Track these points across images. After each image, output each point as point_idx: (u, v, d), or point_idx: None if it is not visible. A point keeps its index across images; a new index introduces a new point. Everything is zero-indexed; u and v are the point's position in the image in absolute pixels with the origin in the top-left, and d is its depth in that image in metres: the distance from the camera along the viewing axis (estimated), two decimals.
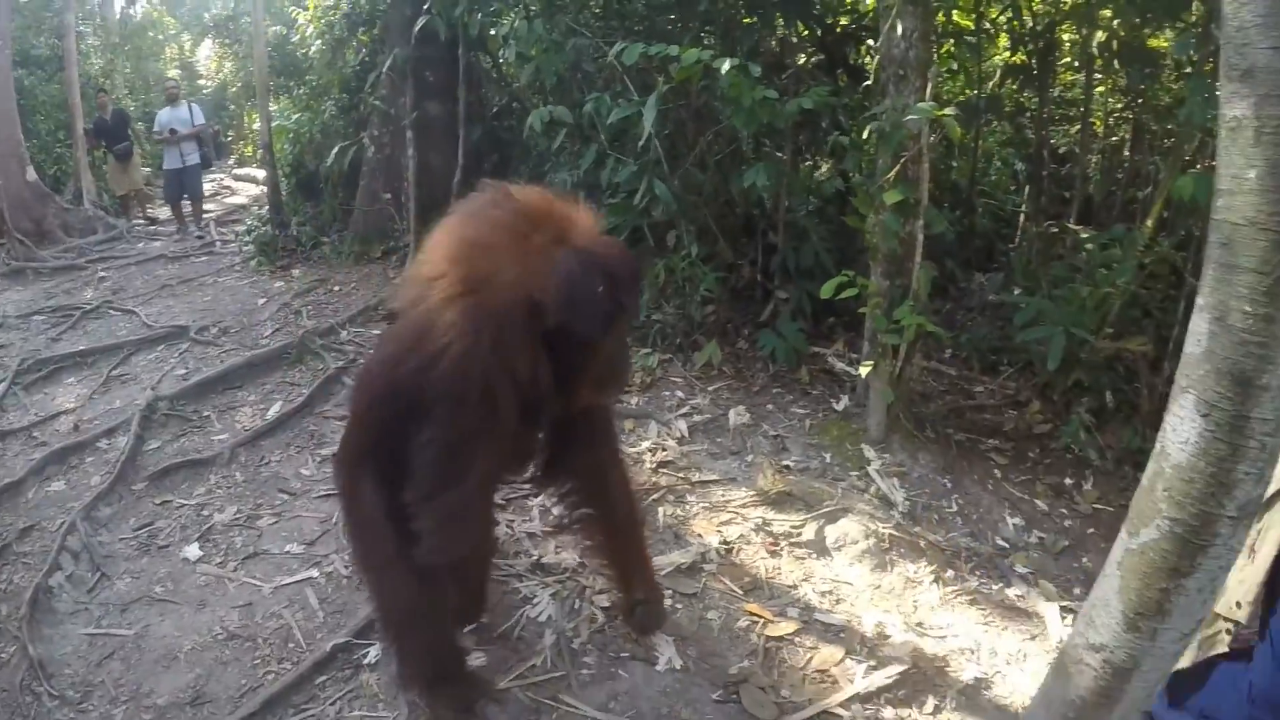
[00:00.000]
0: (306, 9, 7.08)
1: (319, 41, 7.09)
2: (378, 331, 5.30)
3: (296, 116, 7.84)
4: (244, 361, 4.72)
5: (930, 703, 2.36)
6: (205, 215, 9.59)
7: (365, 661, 2.47)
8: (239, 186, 13.31)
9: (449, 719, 2.21)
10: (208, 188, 10.86)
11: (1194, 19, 3.79)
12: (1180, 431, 1.35)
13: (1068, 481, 3.56)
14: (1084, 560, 3.06)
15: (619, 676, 2.38)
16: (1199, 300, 1.33)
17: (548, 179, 5.19)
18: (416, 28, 5.64)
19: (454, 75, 6.44)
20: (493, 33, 4.98)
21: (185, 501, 3.41)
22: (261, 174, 12.00)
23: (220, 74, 16.20)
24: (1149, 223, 3.84)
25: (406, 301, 1.98)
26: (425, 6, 5.49)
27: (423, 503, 1.90)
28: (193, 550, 3.06)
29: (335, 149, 6.97)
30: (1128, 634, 1.45)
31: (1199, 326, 1.32)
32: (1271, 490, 1.52)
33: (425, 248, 1.94)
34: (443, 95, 6.58)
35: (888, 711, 2.33)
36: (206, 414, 4.18)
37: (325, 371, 4.57)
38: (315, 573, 2.94)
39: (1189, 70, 4.04)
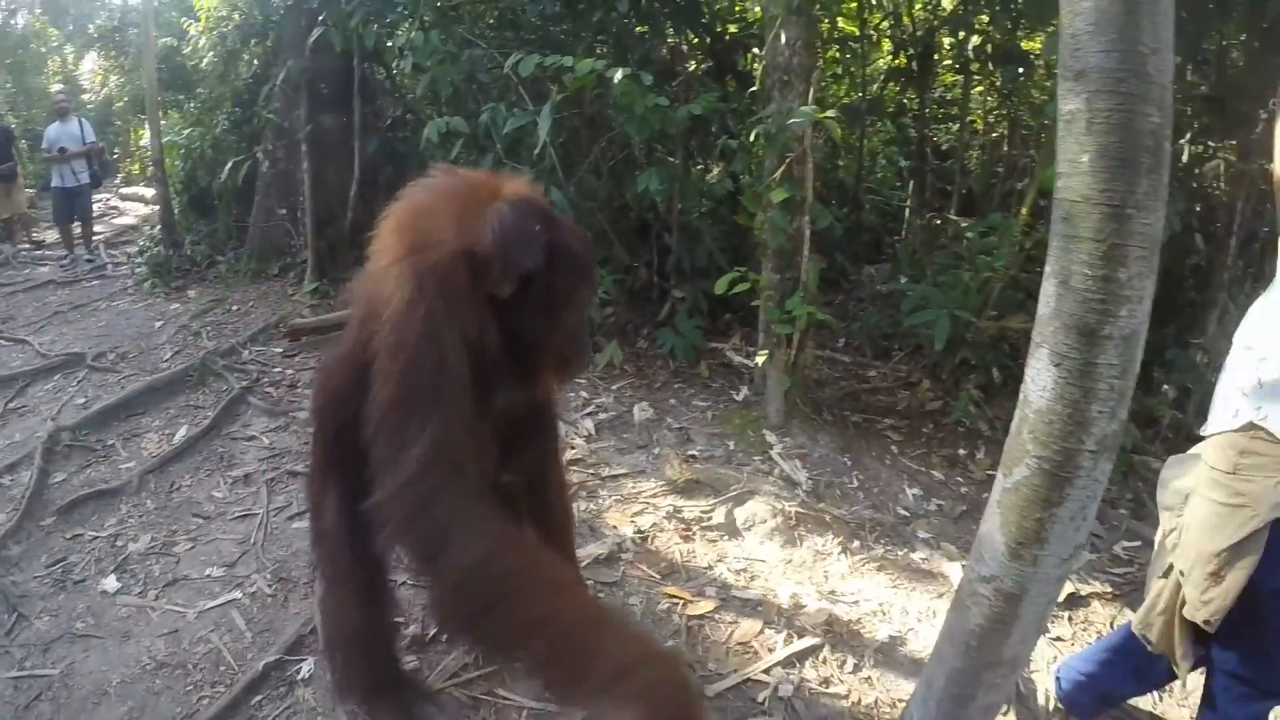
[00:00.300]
0: (199, 20, 6.87)
1: (211, 54, 6.89)
2: (280, 350, 5.27)
3: (188, 131, 7.61)
4: (145, 386, 4.60)
5: (850, 662, 2.55)
6: (94, 237, 9.18)
7: (299, 677, 2.47)
8: (127, 206, 12.67)
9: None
10: (94, 208, 10.40)
11: None
12: (1039, 381, 1.53)
13: (961, 452, 3.85)
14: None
15: None
16: (1047, 268, 1.51)
17: None
18: (311, 39, 5.59)
19: (348, 87, 6.40)
20: (390, 44, 4.98)
21: (97, 533, 3.31)
22: (149, 192, 11.47)
23: (105, 88, 15.36)
24: (1024, 210, 4.15)
25: (359, 286, 1.90)
26: (320, 18, 5.45)
27: (379, 504, 1.59)
28: (110, 582, 2.98)
29: (229, 164, 6.81)
30: (1013, 563, 1.62)
31: (1048, 290, 1.50)
32: (1247, 532, 1.64)
33: (377, 228, 1.86)
34: (337, 108, 6.54)
35: (810, 673, 2.50)
36: (111, 442, 4.06)
37: (229, 393, 4.50)
38: (239, 594, 2.89)
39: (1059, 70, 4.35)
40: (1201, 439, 1.84)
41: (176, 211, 7.64)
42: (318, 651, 2.54)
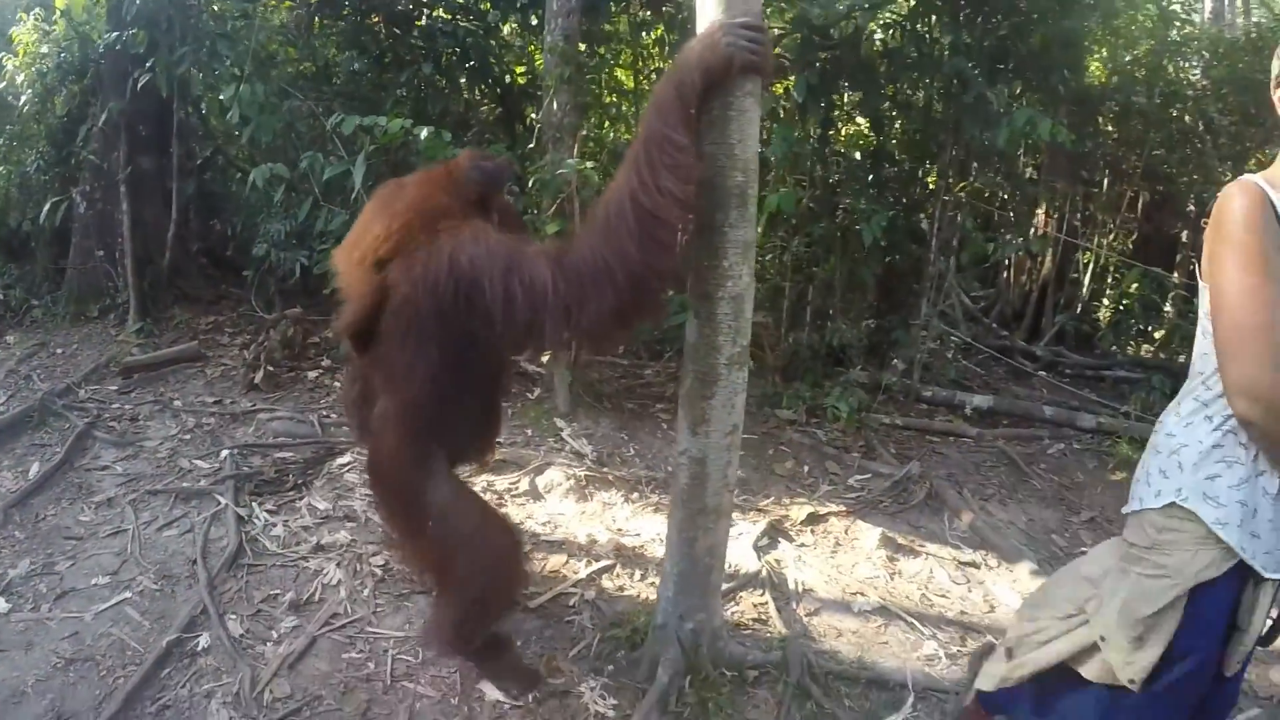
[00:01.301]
0: (16, 55, 6.68)
1: (30, 91, 6.75)
2: (115, 388, 5.48)
3: None
4: None
5: (637, 574, 3.50)
6: None
7: (199, 649, 2.96)
8: None
9: (513, 675, 2.82)
10: None
11: None
12: (689, 328, 2.51)
13: None
14: (739, 474, 4.23)
15: (406, 607, 3.24)
16: (691, 263, 2.44)
17: (261, 229, 5.72)
18: (140, 84, 5.79)
19: (166, 129, 6.61)
20: (222, 98, 5.31)
21: None
22: None
23: None
24: (759, 229, 5.21)
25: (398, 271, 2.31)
26: (149, 64, 5.68)
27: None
28: (0, 604, 3.22)
29: (47, 205, 6.76)
30: (694, 438, 2.58)
31: (690, 276, 2.46)
32: (1168, 600, 1.79)
33: (373, 226, 2.41)
34: (154, 149, 6.73)
35: (607, 584, 3.43)
36: None
37: (74, 430, 4.70)
38: (129, 594, 3.27)
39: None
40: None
41: None
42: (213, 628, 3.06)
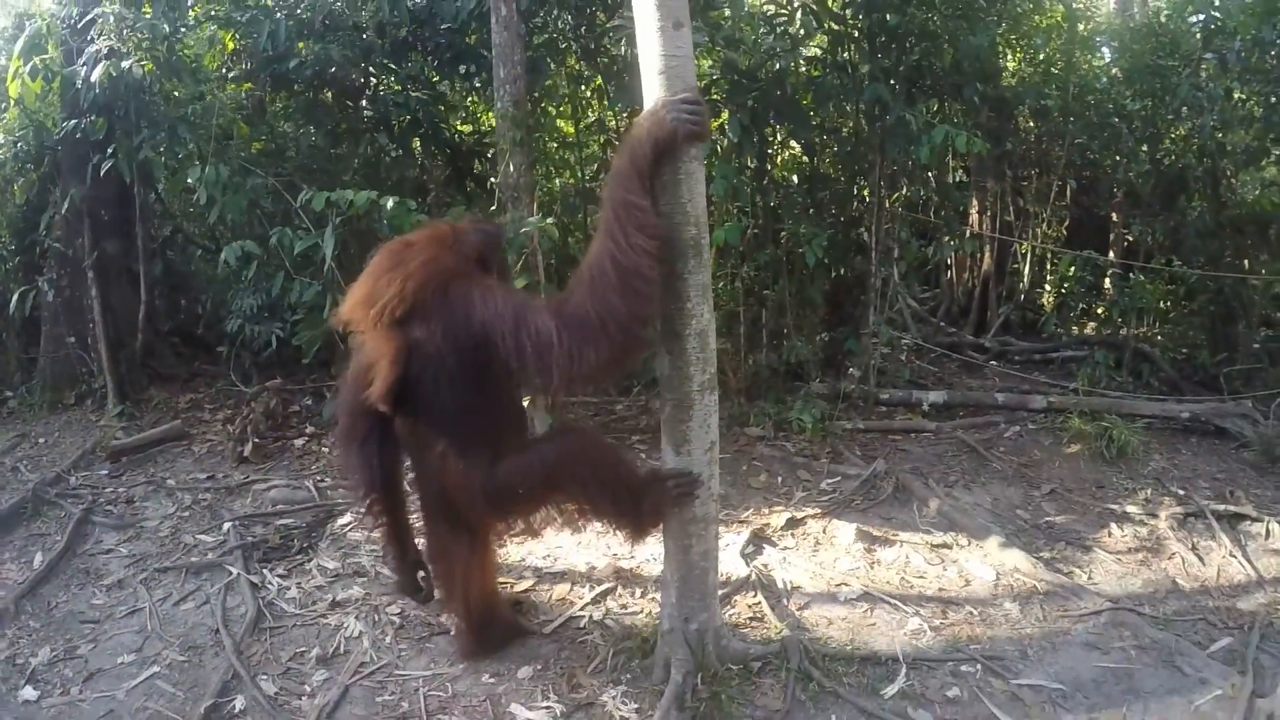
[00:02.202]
0: None
1: None
2: (105, 472, 5.54)
3: None
4: None
5: (638, 592, 3.77)
6: None
7: (237, 711, 3.09)
8: None
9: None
10: None
11: None
12: (663, 363, 2.83)
13: None
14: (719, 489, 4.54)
15: (429, 648, 3.46)
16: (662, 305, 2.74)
17: (233, 304, 5.89)
18: (103, 170, 5.91)
19: (128, 212, 6.71)
20: (190, 180, 5.45)
21: None
22: None
23: None
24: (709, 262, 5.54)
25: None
26: (110, 150, 5.81)
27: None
28: (29, 692, 3.27)
29: (15, 295, 6.81)
30: (677, 457, 2.91)
31: (659, 321, 2.76)
32: None
33: (387, 279, 2.71)
34: (118, 232, 6.83)
35: (612, 604, 3.71)
36: None
37: (71, 518, 4.75)
38: (157, 668, 3.37)
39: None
40: None
41: None
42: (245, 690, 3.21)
